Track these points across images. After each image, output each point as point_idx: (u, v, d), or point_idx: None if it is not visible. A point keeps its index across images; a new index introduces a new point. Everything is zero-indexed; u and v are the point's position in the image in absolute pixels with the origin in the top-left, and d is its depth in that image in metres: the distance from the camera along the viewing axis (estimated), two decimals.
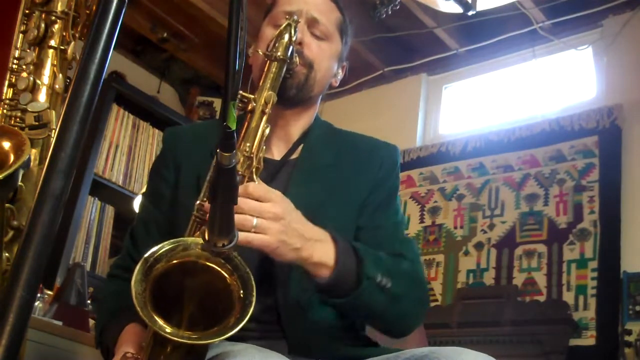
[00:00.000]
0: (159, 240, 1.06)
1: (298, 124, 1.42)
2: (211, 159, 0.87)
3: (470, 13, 2.88)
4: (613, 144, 2.89)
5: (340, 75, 1.49)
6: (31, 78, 1.26)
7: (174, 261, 1.04)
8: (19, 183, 1.14)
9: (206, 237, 0.99)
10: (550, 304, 2.76)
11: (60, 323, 2.21)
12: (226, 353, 1.06)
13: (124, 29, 3.47)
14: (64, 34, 1.30)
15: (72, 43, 1.31)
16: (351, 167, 1.39)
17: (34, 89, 1.26)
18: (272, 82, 1.22)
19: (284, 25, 1.25)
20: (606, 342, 2.58)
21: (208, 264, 1.04)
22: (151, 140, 3.58)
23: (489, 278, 2.99)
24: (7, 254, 1.15)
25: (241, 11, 0.78)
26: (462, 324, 2.87)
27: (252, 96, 1.19)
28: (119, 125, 3.45)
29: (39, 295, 2.32)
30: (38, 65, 1.28)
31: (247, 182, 1.14)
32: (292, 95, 1.35)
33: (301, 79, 1.35)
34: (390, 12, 3.08)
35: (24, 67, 1.28)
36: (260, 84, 1.22)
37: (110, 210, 3.37)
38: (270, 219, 1.09)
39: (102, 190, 3.32)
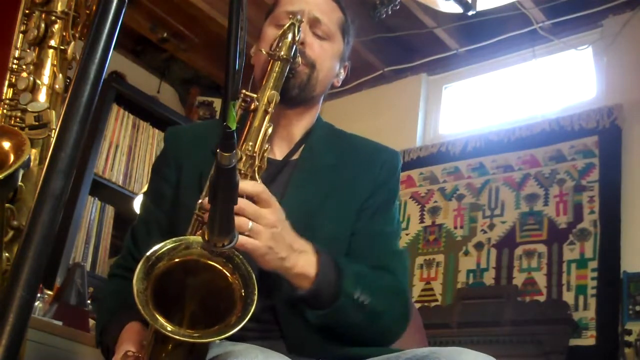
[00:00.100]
0: (159, 240, 1.06)
1: (300, 124, 1.42)
2: (212, 158, 0.87)
3: (470, 13, 2.88)
4: (613, 144, 2.89)
5: (342, 75, 1.49)
6: (31, 78, 1.26)
7: (176, 260, 1.04)
8: (19, 183, 1.14)
9: (206, 237, 1.00)
10: (550, 304, 2.76)
11: (60, 323, 2.21)
12: (228, 353, 1.06)
13: (124, 29, 3.47)
14: (64, 34, 1.30)
15: (72, 43, 1.31)
16: (352, 169, 1.39)
17: (34, 89, 1.26)
18: (275, 81, 1.22)
19: (287, 24, 1.25)
20: (606, 342, 2.58)
21: (210, 262, 1.04)
22: (151, 140, 3.58)
23: (489, 278, 2.99)
24: (7, 254, 1.15)
25: (241, 11, 0.78)
26: (462, 324, 2.87)
27: (255, 95, 1.19)
28: (119, 125, 3.45)
29: (39, 295, 2.32)
30: (38, 65, 1.28)
31: (250, 180, 1.14)
32: (294, 95, 1.35)
33: (303, 79, 1.35)
34: (390, 12, 3.08)
35: (24, 67, 1.28)
36: (263, 83, 1.22)
37: (110, 210, 3.38)
38: (265, 225, 1.10)
39: (102, 190, 3.32)
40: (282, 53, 1.23)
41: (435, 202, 3.31)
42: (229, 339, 1.02)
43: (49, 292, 2.53)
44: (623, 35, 3.06)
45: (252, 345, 1.13)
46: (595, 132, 2.94)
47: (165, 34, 3.73)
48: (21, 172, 1.10)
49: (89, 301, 2.49)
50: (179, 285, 1.06)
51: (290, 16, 1.29)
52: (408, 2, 3.22)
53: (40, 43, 1.29)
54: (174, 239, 1.06)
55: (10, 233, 1.16)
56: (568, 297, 2.74)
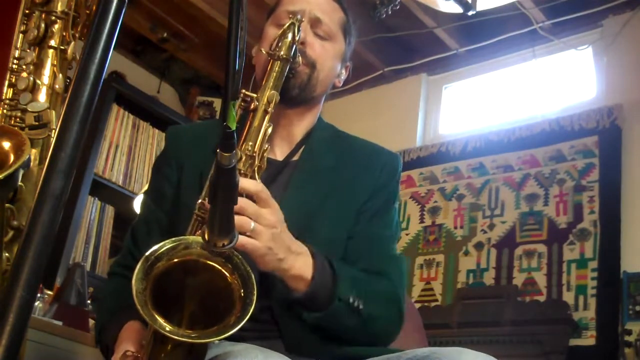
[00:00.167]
0: (160, 239, 1.06)
1: (301, 124, 1.42)
2: (213, 158, 0.87)
3: (470, 13, 2.88)
4: (613, 144, 2.89)
5: (343, 76, 1.48)
6: (31, 78, 1.26)
7: (175, 260, 1.04)
8: (19, 183, 1.14)
9: (206, 237, 0.99)
10: (550, 304, 2.76)
11: (60, 323, 2.21)
12: (228, 353, 1.06)
13: (124, 29, 3.47)
14: (64, 34, 1.30)
15: (72, 43, 1.31)
16: (352, 171, 1.39)
17: (34, 89, 1.26)
18: (275, 81, 1.22)
19: (287, 24, 1.25)
20: (606, 342, 2.58)
21: (209, 262, 1.04)
22: (151, 140, 3.58)
23: (489, 278, 2.99)
24: (7, 254, 1.15)
25: (241, 11, 0.78)
26: (462, 324, 2.87)
27: (254, 95, 1.19)
28: (119, 125, 3.45)
29: (39, 295, 2.32)
30: (38, 65, 1.28)
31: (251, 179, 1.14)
32: (294, 95, 1.35)
33: (304, 79, 1.35)
34: (390, 12, 3.08)
35: (24, 67, 1.28)
36: (263, 83, 1.22)
37: (110, 210, 3.38)
38: (265, 226, 1.10)
39: (102, 190, 3.32)
40: (282, 53, 1.23)
41: (435, 202, 3.31)
42: (228, 339, 1.02)
43: (49, 292, 2.53)
44: (623, 35, 3.06)
45: (251, 345, 1.13)
46: (595, 132, 2.94)
47: (165, 34, 3.73)
48: (21, 172, 1.10)
49: (89, 301, 2.49)
50: (178, 285, 1.06)
51: (291, 16, 1.29)
52: (408, 2, 3.22)
53: (40, 43, 1.29)
54: (173, 239, 1.06)
55: (10, 233, 1.16)
56: (568, 297, 2.74)
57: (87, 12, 1.32)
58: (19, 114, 1.24)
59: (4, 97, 1.27)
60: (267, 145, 1.19)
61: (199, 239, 1.04)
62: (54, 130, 1.22)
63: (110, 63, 0.78)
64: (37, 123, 1.23)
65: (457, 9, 2.89)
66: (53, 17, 1.30)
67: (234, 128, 0.82)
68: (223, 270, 1.04)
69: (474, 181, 3.23)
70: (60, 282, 2.74)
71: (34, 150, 1.21)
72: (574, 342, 2.64)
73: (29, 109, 1.24)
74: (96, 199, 3.31)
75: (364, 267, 1.29)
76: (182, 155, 1.40)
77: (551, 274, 2.83)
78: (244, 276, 1.03)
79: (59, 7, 1.30)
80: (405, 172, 3.34)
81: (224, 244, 0.99)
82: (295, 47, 1.25)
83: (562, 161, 2.99)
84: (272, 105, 1.19)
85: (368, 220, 1.36)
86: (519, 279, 2.90)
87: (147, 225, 1.38)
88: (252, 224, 1.09)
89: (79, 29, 1.32)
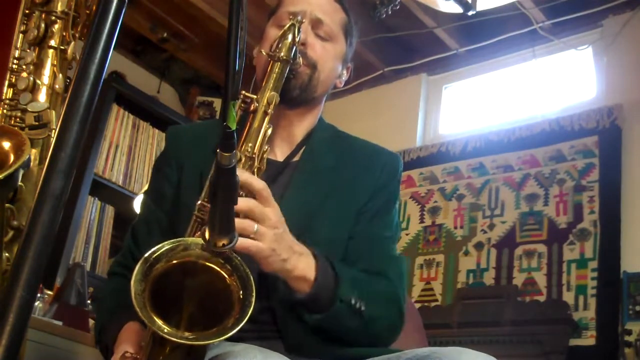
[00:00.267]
0: (160, 239, 1.06)
1: (302, 125, 1.42)
2: (213, 158, 0.87)
3: (470, 13, 2.88)
4: (613, 144, 2.89)
5: (344, 76, 1.48)
6: (31, 78, 1.26)
7: (174, 261, 1.04)
8: (19, 183, 1.14)
9: (206, 237, 0.99)
10: (550, 304, 2.76)
11: (60, 323, 2.21)
12: (227, 353, 1.06)
13: (124, 29, 3.47)
14: (64, 34, 1.30)
15: (72, 43, 1.31)
16: (352, 171, 1.39)
17: (34, 89, 1.26)
18: (275, 82, 1.22)
19: (287, 25, 1.25)
20: (606, 342, 2.58)
21: (208, 264, 1.03)
22: (151, 140, 3.58)
23: (489, 278, 2.99)
24: (7, 254, 1.15)
25: (241, 11, 0.78)
26: (462, 324, 2.87)
27: (254, 96, 1.19)
28: (119, 125, 3.45)
29: (39, 295, 2.32)
30: (38, 65, 1.28)
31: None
32: (295, 96, 1.34)
33: (304, 80, 1.35)
34: (390, 12, 3.08)
35: (24, 67, 1.28)
36: (263, 84, 1.22)
37: (110, 210, 3.38)
38: (269, 227, 1.10)
39: (102, 190, 3.32)
40: (282, 54, 1.22)
41: (435, 202, 3.31)
42: (227, 339, 1.02)
43: (49, 292, 2.53)
44: (623, 35, 3.06)
45: (251, 346, 1.13)
46: (595, 132, 2.94)
47: (165, 34, 3.73)
48: (21, 172, 1.10)
49: (89, 301, 2.49)
50: (177, 286, 1.05)
51: (291, 17, 1.29)
52: (408, 2, 3.22)
53: (40, 43, 1.29)
54: (172, 240, 1.06)
55: (10, 233, 1.16)
56: (568, 297, 2.74)
57: (87, 12, 1.32)
58: (19, 114, 1.24)
59: (4, 97, 1.27)
60: (266, 147, 1.19)
61: (198, 240, 1.03)
62: (54, 130, 1.22)
63: (110, 63, 0.78)
64: (37, 123, 1.23)
65: (457, 9, 2.89)
66: (53, 17, 1.30)
67: (234, 128, 0.82)
68: (222, 272, 1.03)
69: (474, 181, 3.23)
70: (60, 282, 2.74)
71: (34, 150, 1.21)
72: (574, 342, 2.64)
73: (29, 109, 1.24)
74: (96, 199, 3.31)
75: (364, 268, 1.29)
76: (182, 155, 1.40)
77: (551, 274, 2.83)
78: (243, 278, 1.03)
79: (59, 7, 1.30)
80: (405, 172, 3.33)
81: (224, 244, 0.99)
82: (296, 48, 1.25)
83: (562, 161, 3.00)
84: (271, 106, 1.19)
85: (368, 220, 1.35)
86: (519, 279, 2.90)
87: (148, 225, 1.38)
88: (256, 226, 1.08)
89: (79, 29, 1.32)
